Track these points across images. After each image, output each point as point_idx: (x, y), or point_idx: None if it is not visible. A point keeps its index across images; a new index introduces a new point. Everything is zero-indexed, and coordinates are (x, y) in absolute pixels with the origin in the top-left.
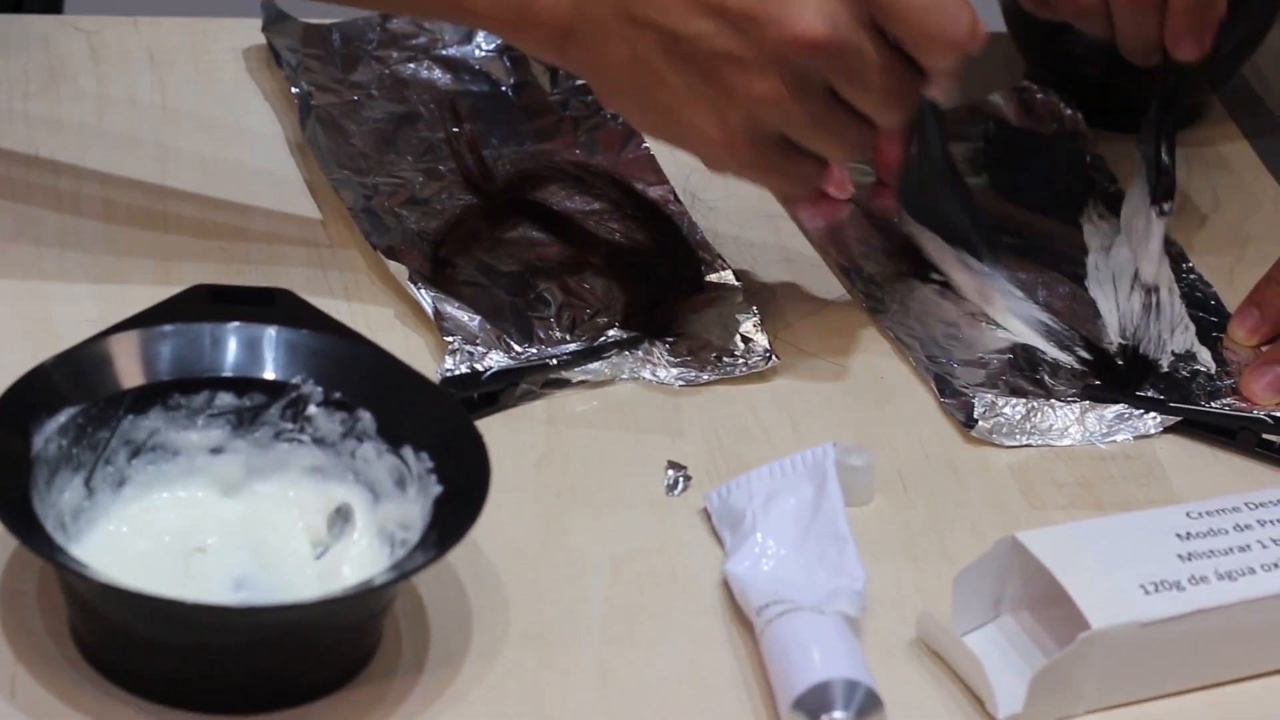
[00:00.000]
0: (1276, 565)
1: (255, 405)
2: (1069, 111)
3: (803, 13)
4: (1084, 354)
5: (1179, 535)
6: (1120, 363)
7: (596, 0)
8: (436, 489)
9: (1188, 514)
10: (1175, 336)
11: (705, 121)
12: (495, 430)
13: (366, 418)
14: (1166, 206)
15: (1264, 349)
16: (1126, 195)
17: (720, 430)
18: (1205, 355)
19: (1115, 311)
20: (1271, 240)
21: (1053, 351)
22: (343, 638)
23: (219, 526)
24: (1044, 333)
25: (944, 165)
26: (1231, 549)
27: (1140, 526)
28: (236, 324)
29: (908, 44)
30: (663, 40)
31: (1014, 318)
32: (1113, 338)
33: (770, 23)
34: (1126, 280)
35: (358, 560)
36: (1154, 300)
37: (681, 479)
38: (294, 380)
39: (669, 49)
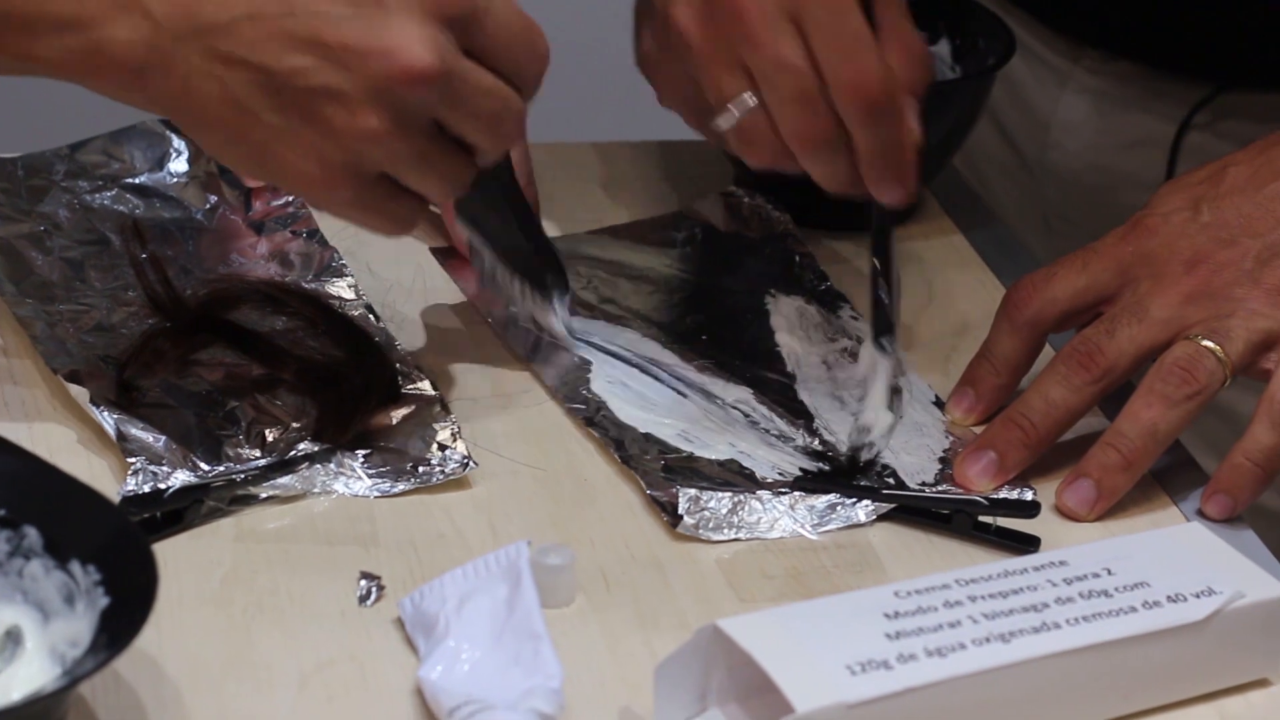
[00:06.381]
0: (988, 640)
1: None
2: (776, 213)
3: (408, 43)
4: (807, 458)
5: (887, 615)
6: (834, 463)
7: (177, 39)
8: (104, 600)
9: (895, 593)
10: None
11: (304, 161)
12: (180, 549)
13: (33, 534)
14: (885, 342)
15: (978, 432)
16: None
17: (416, 539)
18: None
19: (833, 418)
20: (987, 326)
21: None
22: None
23: None
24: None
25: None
26: (941, 625)
27: (847, 608)
28: None
29: (505, 68)
30: (255, 78)
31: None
32: (828, 439)
33: (373, 55)
34: (847, 394)
35: (28, 682)
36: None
37: (374, 589)
38: None
39: (263, 86)
